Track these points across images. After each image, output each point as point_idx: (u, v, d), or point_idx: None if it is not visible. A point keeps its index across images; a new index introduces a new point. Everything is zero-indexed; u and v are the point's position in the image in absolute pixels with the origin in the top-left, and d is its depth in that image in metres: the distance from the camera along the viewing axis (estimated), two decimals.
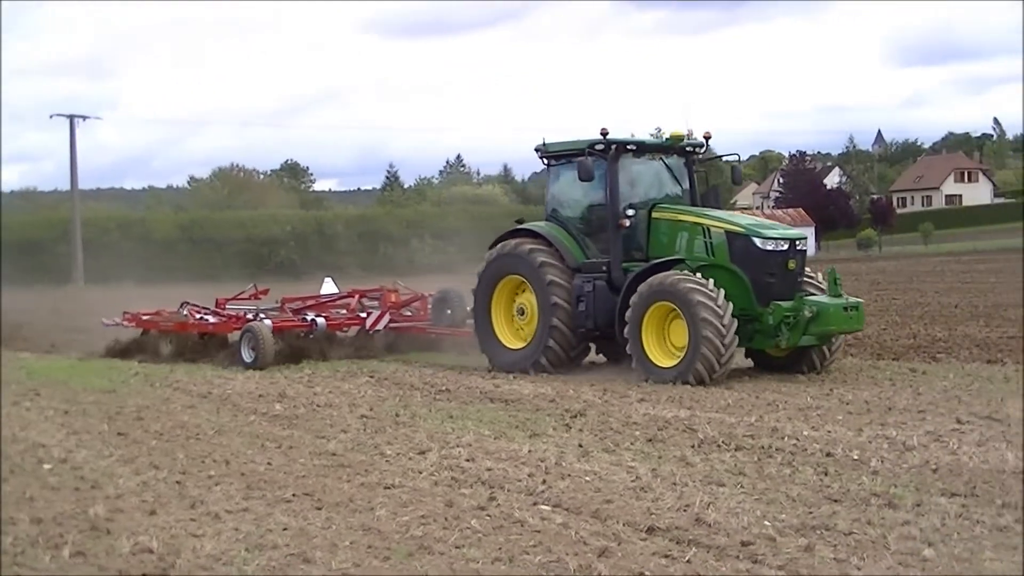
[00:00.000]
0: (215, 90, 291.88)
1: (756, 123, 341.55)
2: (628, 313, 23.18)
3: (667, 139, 26.03)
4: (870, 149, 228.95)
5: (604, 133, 24.83)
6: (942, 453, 15.14)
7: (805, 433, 16.85)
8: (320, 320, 29.76)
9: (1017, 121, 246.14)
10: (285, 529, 12.10)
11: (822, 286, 23.61)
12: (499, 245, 26.29)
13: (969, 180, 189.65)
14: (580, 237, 25.60)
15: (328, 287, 34.68)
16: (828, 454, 15.35)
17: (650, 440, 16.97)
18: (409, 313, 31.46)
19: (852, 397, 20.31)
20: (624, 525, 12.12)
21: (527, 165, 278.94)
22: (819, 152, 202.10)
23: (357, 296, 32.17)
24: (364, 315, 30.75)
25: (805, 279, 23.90)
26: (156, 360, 30.16)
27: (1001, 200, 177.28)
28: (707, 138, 26.12)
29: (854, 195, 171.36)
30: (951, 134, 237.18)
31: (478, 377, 24.92)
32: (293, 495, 13.75)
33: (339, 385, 24.08)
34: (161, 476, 15.00)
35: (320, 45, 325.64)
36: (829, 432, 16.91)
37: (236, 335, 29.35)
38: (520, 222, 26.95)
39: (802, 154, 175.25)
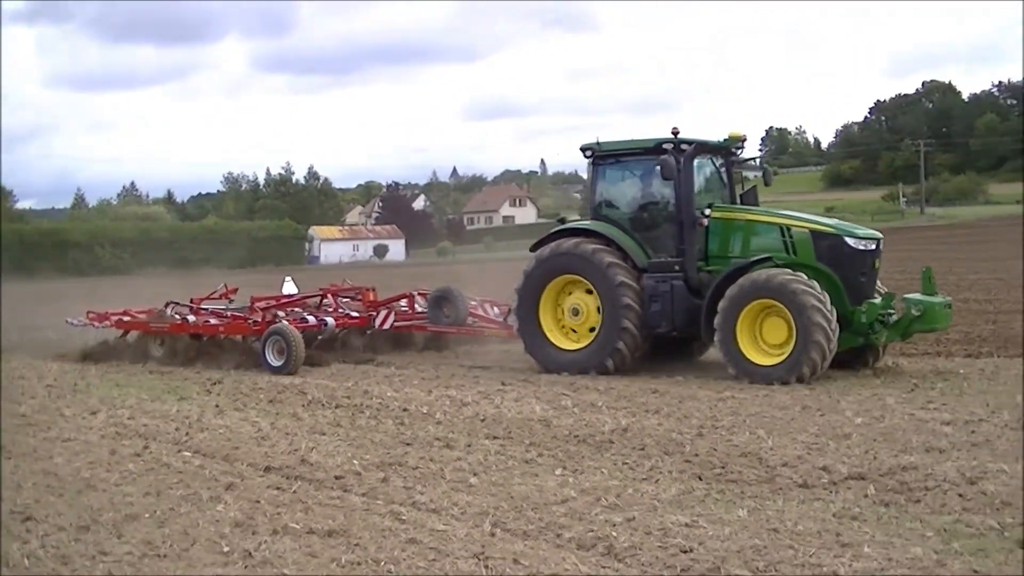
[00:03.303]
0: None
1: (362, 160, 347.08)
2: (721, 312, 17.84)
3: (726, 139, 20.39)
4: (448, 180, 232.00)
5: (675, 132, 19.30)
6: (489, 407, 15.46)
7: (388, 394, 16.97)
8: (330, 320, 22.48)
9: (556, 161, 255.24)
10: None
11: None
12: (552, 244, 19.96)
13: (520, 205, 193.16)
14: (636, 237, 19.70)
15: (289, 287, 28.06)
16: (405, 409, 15.51)
17: (271, 401, 16.94)
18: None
19: (426, 366, 20.68)
20: (247, 466, 12.12)
21: (187, 189, 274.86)
22: (409, 182, 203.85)
23: (332, 295, 24.53)
24: (354, 314, 23.53)
25: None
26: (143, 363, 22.62)
27: (543, 220, 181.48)
28: (743, 140, 20.63)
29: (435, 215, 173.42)
30: (507, 170, 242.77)
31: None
32: None
33: (30, 362, 23.08)
34: None
35: (19, 92, 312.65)
36: (407, 393, 17.06)
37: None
38: (562, 221, 21.08)
39: (396, 184, 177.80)
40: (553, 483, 10.77)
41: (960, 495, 9.65)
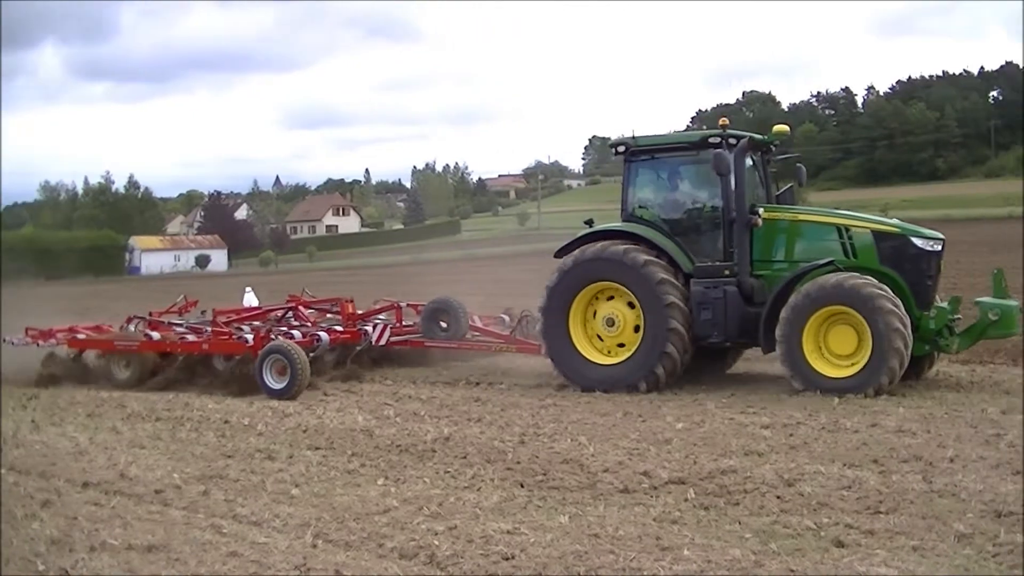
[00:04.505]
0: None
1: (183, 169, 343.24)
2: (784, 320, 16.20)
3: (771, 135, 18.64)
4: (270, 190, 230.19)
5: (724, 125, 17.57)
6: (311, 417, 15.44)
7: (210, 406, 16.86)
8: (324, 335, 19.93)
9: (380, 170, 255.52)
10: None
11: None
12: (577, 251, 17.98)
13: (343, 214, 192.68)
14: (676, 240, 17.83)
15: (250, 299, 26.72)
16: (226, 421, 15.42)
17: (89, 415, 16.68)
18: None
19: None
20: (64, 482, 11.89)
21: (3, 198, 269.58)
22: (232, 192, 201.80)
23: (302, 307, 22.29)
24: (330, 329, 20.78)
25: None
26: (111, 386, 20.09)
27: (367, 229, 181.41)
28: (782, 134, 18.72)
29: (258, 225, 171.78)
30: (330, 179, 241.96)
31: None
32: None
33: None
34: None
35: None
36: (228, 404, 16.98)
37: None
38: (590, 223, 18.80)
39: (219, 193, 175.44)
40: (375, 493, 10.76)
41: (778, 497, 9.89)
